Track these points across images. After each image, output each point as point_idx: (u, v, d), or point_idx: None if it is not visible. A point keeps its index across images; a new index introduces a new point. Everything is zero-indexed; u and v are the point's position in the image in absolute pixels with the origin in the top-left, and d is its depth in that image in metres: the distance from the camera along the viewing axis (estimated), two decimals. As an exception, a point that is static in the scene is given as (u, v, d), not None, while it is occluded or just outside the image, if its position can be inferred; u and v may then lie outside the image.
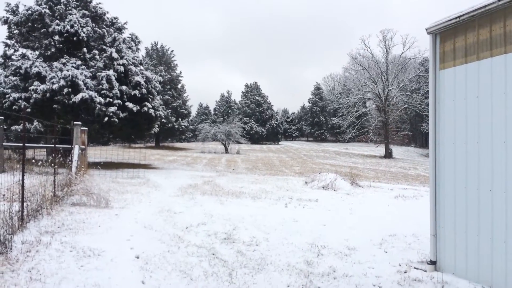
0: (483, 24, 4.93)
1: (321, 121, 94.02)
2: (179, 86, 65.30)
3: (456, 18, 5.15)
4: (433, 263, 5.55)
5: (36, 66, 19.97)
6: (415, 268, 5.68)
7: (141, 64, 25.08)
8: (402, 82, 53.38)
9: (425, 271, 5.50)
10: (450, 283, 5.04)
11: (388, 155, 50.46)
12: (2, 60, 22.09)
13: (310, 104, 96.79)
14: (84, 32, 21.64)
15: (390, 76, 53.19)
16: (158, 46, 65.45)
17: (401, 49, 56.98)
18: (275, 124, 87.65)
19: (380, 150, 54.70)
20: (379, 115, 53.78)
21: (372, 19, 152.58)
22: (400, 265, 5.90)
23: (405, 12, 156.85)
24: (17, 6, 22.11)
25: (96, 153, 28.00)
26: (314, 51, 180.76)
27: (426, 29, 5.62)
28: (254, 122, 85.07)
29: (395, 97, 52.21)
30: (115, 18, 25.21)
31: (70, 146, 14.96)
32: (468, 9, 5.01)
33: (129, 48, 24.55)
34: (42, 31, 22.12)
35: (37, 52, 23.10)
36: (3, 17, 21.85)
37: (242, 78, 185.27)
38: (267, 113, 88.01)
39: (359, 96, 57.34)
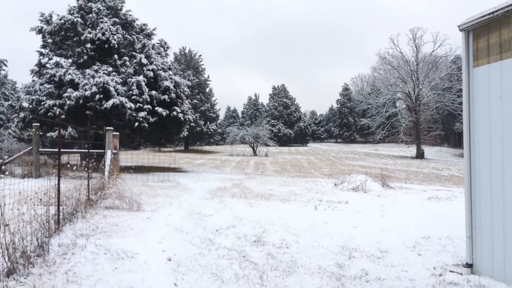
0: (519, 19, 4.77)
1: (349, 122, 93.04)
2: (207, 90, 65.90)
3: (489, 14, 5.00)
4: (469, 266, 5.39)
5: (69, 74, 20.55)
6: (450, 271, 5.53)
7: (170, 69, 25.43)
8: (433, 81, 52.19)
9: (461, 274, 5.35)
10: (488, 286, 4.88)
11: (420, 155, 49.38)
12: (37, 69, 22.80)
13: (338, 105, 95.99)
14: (115, 40, 22.13)
15: (420, 75, 52.10)
16: (186, 51, 66.29)
17: (431, 47, 55.93)
18: (303, 126, 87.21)
19: (411, 150, 53.61)
20: (409, 115, 52.74)
21: (396, 18, 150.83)
22: (435, 268, 5.76)
23: (432, 9, 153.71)
24: (50, 16, 22.81)
25: (128, 157, 28.57)
26: (338, 52, 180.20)
27: (458, 26, 5.48)
28: (282, 124, 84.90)
29: (426, 96, 51.09)
30: (144, 24, 25.68)
31: (102, 151, 15.34)
32: (502, 4, 4.85)
33: (158, 53, 24.95)
34: (74, 39, 22.74)
35: (70, 60, 23.75)
36: (38, 26, 22.55)
37: (266, 82, 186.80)
38: (295, 115, 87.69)
39: (389, 96, 56.41)
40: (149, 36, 25.71)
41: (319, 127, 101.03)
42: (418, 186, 17.95)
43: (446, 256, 6.41)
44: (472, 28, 5.35)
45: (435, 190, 16.15)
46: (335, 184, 16.64)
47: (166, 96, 22.39)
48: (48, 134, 21.06)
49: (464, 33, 5.45)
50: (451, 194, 14.82)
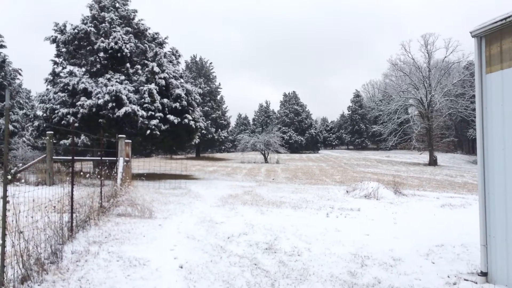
0: (532, 24, 4.72)
1: (361, 129, 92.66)
2: (218, 97, 66.28)
3: (501, 20, 4.97)
4: (484, 274, 5.30)
5: (82, 82, 20.82)
6: (465, 279, 5.45)
7: (181, 77, 25.62)
8: (445, 87, 51.76)
9: (476, 283, 5.26)
10: (504, 296, 4.80)
11: (433, 162, 48.89)
12: (51, 78, 23.14)
13: (350, 112, 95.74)
14: (127, 48, 22.39)
15: (432, 81, 51.74)
16: (197, 59, 66.77)
17: (443, 53, 55.42)
18: (314, 133, 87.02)
19: (424, 157, 53.13)
20: (422, 122, 52.33)
21: (404, 25, 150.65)
22: (449, 277, 5.68)
23: (442, 16, 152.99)
24: (64, 26, 23.14)
25: (140, 165, 28.74)
26: (348, 59, 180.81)
27: (471, 32, 5.45)
28: (293, 131, 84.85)
29: (439, 102, 50.66)
30: (156, 33, 25.93)
31: (115, 158, 15.47)
32: (514, 10, 4.81)
33: (170, 62, 25.17)
34: (88, 48, 23.05)
35: (83, 69, 24.07)
36: (52, 36, 22.89)
37: (276, 90, 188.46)
38: (306, 122, 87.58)
39: (401, 103, 56.09)
40: (161, 44, 25.96)
41: (331, 134, 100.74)
42: (431, 193, 17.77)
43: (460, 264, 6.32)
44: (484, 34, 5.31)
45: (448, 198, 15.98)
46: (347, 191, 16.55)
47: (177, 104, 22.55)
48: (62, 142, 21.32)
49: (476, 39, 5.41)
50: (465, 201, 14.64)
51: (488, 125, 5.29)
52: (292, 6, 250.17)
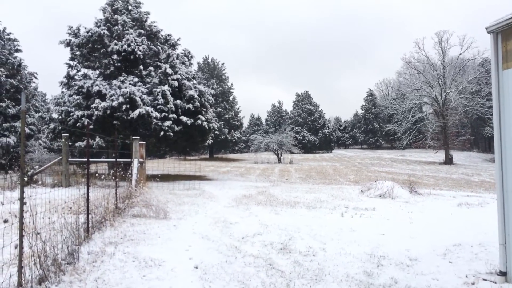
0: (550, 19, 4.62)
1: (375, 128, 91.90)
2: (231, 98, 66.38)
3: (519, 14, 4.87)
4: (503, 274, 5.20)
5: (97, 85, 21.04)
6: (483, 279, 5.35)
7: (194, 78, 25.71)
8: (461, 84, 50.97)
9: (495, 282, 5.17)
10: (524, 296, 4.71)
11: (449, 161, 48.23)
12: (66, 80, 23.42)
13: (363, 111, 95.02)
14: (140, 50, 22.57)
15: (447, 79, 51.01)
16: (209, 60, 66.98)
17: (458, 51, 54.48)
18: (327, 133, 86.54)
19: (440, 156, 52.45)
20: (437, 120, 51.64)
21: (415, 23, 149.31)
22: (467, 277, 5.59)
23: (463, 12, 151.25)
24: (78, 29, 23.43)
25: (154, 166, 28.94)
26: (358, 58, 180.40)
27: (486, 28, 5.35)
28: (306, 131, 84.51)
29: (454, 100, 49.92)
30: (168, 35, 26.08)
31: (129, 160, 15.59)
32: (532, 4, 4.72)
33: (183, 63, 25.27)
34: (101, 51, 23.28)
35: (97, 71, 24.31)
36: (66, 40, 23.19)
37: (287, 92, 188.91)
38: (319, 121, 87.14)
39: (415, 101, 55.40)
40: (173, 46, 26.10)
41: (344, 134, 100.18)
42: (448, 192, 17.54)
43: (479, 264, 6.22)
44: (501, 30, 5.22)
45: (465, 196, 15.75)
46: (362, 191, 16.42)
47: (190, 105, 22.64)
48: (77, 144, 21.55)
49: (492, 35, 5.32)
50: (482, 200, 14.41)
51: (505, 122, 5.20)
52: (298, 9, 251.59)
